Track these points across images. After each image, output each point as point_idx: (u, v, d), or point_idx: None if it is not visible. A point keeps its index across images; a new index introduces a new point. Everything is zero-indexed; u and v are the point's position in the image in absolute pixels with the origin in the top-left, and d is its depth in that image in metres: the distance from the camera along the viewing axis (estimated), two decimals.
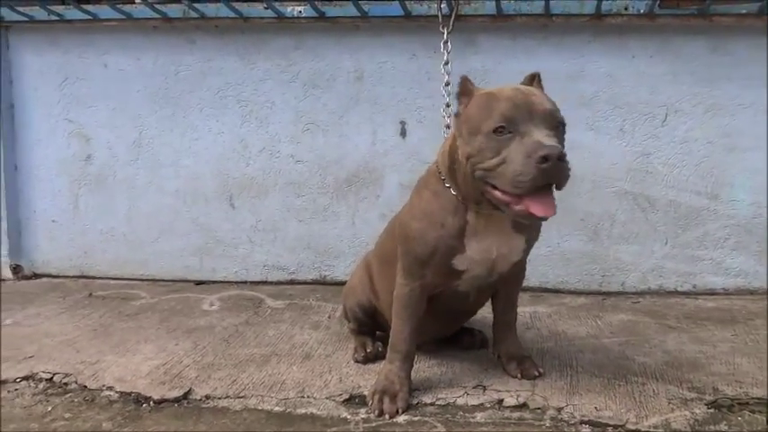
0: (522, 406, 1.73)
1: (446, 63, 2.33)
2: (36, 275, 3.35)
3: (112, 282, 3.22)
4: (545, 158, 1.43)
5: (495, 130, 1.51)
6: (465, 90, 1.68)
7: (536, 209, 1.49)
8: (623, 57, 2.75)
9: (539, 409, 1.71)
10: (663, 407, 1.69)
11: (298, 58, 2.98)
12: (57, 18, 3.06)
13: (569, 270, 2.89)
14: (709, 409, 1.68)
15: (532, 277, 2.90)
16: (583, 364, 2.01)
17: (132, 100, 3.14)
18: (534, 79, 1.72)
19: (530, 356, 1.96)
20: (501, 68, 2.79)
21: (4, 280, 3.29)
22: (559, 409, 1.70)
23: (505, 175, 1.49)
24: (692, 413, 1.65)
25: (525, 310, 2.60)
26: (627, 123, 2.79)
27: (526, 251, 1.84)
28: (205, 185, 3.15)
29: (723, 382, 1.83)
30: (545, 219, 1.51)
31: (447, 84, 2.26)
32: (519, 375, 1.89)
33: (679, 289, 2.83)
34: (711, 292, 2.80)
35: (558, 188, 1.51)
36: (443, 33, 2.36)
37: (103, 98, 3.17)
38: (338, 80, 2.97)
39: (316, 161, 3.04)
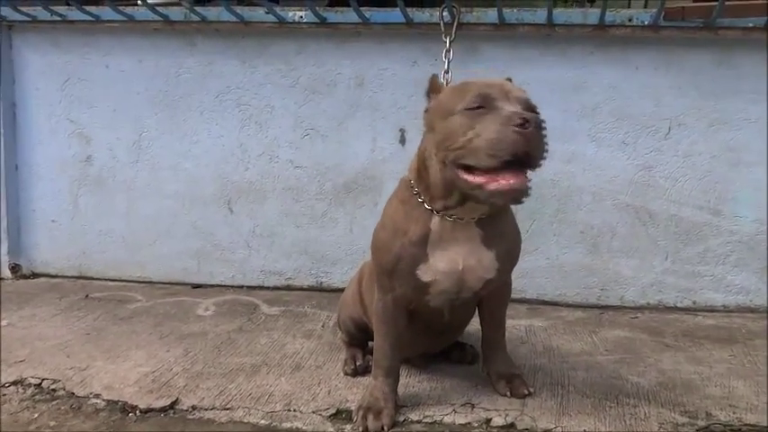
0: (510, 426, 1.70)
1: (446, 72, 2.30)
2: (35, 275, 3.35)
3: (110, 283, 3.21)
4: (524, 122, 1.40)
5: (470, 108, 1.49)
6: (434, 87, 1.70)
7: (514, 180, 1.43)
8: (626, 68, 2.71)
9: (526, 430, 1.68)
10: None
11: (299, 62, 2.96)
12: (59, 18, 3.05)
13: (567, 283, 2.86)
14: None
15: (530, 289, 2.86)
16: (575, 382, 1.98)
17: (133, 102, 3.13)
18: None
19: (520, 374, 1.92)
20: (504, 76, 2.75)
21: (3, 279, 3.30)
22: (547, 431, 1.67)
23: (479, 148, 1.43)
24: None
25: (521, 323, 2.57)
26: (629, 136, 2.75)
27: (502, 270, 1.77)
28: (204, 189, 3.14)
29: (717, 407, 1.80)
30: (522, 194, 1.44)
31: None
32: (508, 393, 1.86)
33: (678, 305, 2.79)
34: (711, 309, 2.75)
35: (534, 165, 1.45)
36: (446, 42, 2.34)
37: (104, 99, 3.16)
38: (339, 86, 2.94)
39: (314, 167, 3.02)
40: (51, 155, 3.25)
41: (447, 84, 2.35)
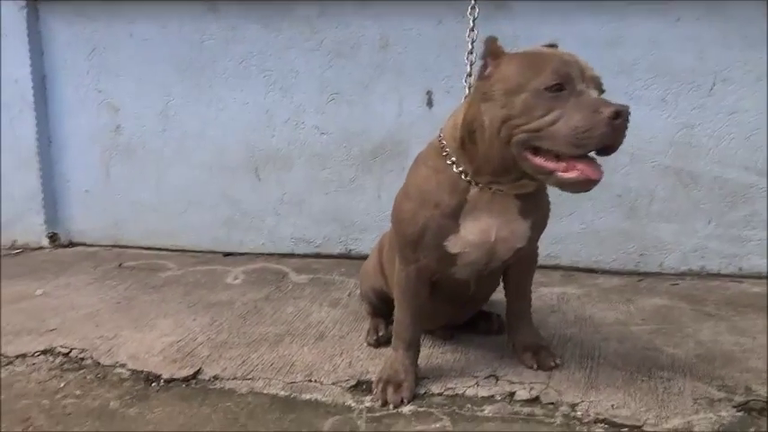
0: (534, 400, 1.64)
1: (472, 29, 2.19)
2: (72, 244, 3.41)
3: (144, 252, 3.25)
4: (617, 114, 1.32)
5: (549, 88, 1.38)
6: (494, 51, 1.51)
7: (592, 172, 1.36)
8: (666, 20, 2.54)
9: (551, 404, 1.62)
10: (687, 407, 1.57)
11: (321, 25, 2.88)
12: None
13: (604, 249, 2.74)
14: (737, 411, 1.55)
15: (564, 256, 2.77)
16: (606, 354, 1.89)
17: (158, 69, 3.12)
18: (554, 46, 1.59)
19: (546, 345, 1.85)
20: (533, 34, 2.59)
21: (42, 248, 3.37)
22: (573, 406, 1.60)
23: (561, 134, 1.35)
24: (719, 416, 1.53)
25: (554, 290, 2.49)
26: (669, 93, 2.59)
27: (532, 239, 1.71)
28: (231, 157, 3.12)
29: (757, 381, 1.69)
30: (595, 185, 1.39)
31: (471, 52, 2.12)
32: (534, 366, 1.79)
33: (722, 271, 2.65)
34: (758, 276, 2.60)
35: (610, 153, 1.39)
36: None
37: (130, 68, 3.16)
38: (363, 48, 2.86)
39: (340, 132, 2.96)
40: (82, 126, 3.27)
41: (473, 44, 2.24)
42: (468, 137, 1.54)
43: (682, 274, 2.68)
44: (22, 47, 3.17)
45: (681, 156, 2.63)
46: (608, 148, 1.38)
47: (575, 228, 2.73)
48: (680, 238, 2.68)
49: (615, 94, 2.55)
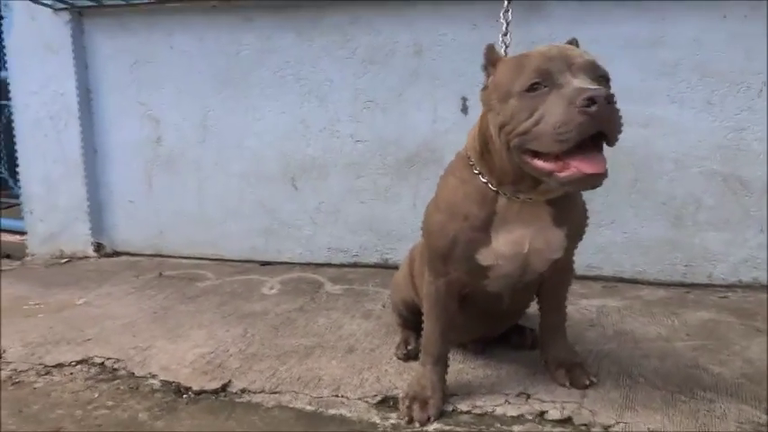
0: (566, 421, 1.57)
1: (505, 34, 2.13)
2: (117, 253, 3.48)
3: (184, 261, 3.30)
4: (591, 100, 1.24)
5: (529, 88, 1.33)
6: (491, 59, 1.50)
7: (587, 166, 1.29)
8: (712, 18, 2.42)
9: (584, 425, 1.54)
10: None
11: (355, 32, 2.86)
12: (124, 2, 3.10)
13: (648, 259, 2.63)
14: None
15: (606, 266, 2.66)
16: (645, 372, 1.80)
17: (196, 81, 3.16)
18: (572, 44, 1.53)
19: (581, 362, 1.77)
20: (570, 35, 2.50)
21: (87, 257, 3.45)
22: (607, 428, 1.52)
23: (545, 133, 1.30)
24: None
25: (593, 303, 2.39)
26: (716, 95, 2.47)
27: (569, 248, 1.64)
28: (268, 166, 3.13)
29: None
30: (599, 179, 1.30)
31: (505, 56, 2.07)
32: (567, 384, 1.72)
33: None
34: None
35: (610, 142, 1.31)
36: (504, 1, 2.16)
37: (170, 80, 3.21)
38: (396, 55, 2.82)
39: (376, 141, 2.93)
40: (125, 137, 3.34)
41: (507, 48, 2.19)
42: (484, 148, 1.52)
43: (731, 286, 2.55)
44: (67, 61, 3.26)
45: (729, 161, 2.50)
46: (604, 137, 1.30)
47: (617, 237, 2.63)
48: (729, 248, 2.55)
49: (658, 96, 2.49)
